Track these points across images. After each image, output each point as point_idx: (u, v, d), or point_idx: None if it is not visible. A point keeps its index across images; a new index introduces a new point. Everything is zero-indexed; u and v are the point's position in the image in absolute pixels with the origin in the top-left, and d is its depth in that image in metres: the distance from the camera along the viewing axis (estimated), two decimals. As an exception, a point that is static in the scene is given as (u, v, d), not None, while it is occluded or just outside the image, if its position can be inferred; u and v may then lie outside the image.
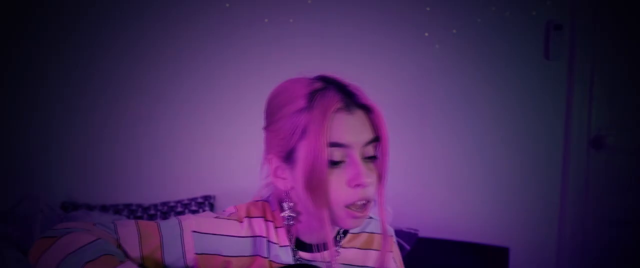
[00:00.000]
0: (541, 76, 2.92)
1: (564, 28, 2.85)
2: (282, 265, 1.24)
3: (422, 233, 2.72)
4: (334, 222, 1.21)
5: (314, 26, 2.89)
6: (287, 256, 1.26)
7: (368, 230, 1.37)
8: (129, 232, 1.19)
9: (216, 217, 1.25)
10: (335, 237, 1.32)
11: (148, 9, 2.91)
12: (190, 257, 1.21)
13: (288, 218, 1.25)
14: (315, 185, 1.17)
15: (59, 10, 2.89)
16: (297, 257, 1.28)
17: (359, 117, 1.18)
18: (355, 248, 1.35)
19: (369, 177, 1.17)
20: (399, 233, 2.62)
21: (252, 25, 2.88)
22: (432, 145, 2.98)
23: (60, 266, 1.06)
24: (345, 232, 1.33)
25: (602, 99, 2.92)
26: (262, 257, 1.25)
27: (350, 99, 1.18)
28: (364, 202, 1.18)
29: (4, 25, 2.85)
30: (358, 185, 1.17)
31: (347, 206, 1.18)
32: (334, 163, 1.17)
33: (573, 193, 2.93)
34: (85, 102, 2.92)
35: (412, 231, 2.68)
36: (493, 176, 2.96)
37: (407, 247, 2.59)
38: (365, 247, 1.36)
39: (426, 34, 2.91)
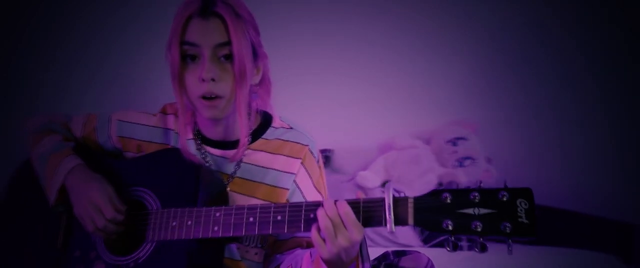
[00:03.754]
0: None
1: None
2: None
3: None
4: (198, 113, 1.46)
5: (317, 26, 2.87)
6: (192, 148, 1.52)
7: (283, 137, 1.53)
8: (78, 119, 1.66)
9: (139, 111, 1.62)
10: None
11: (148, 9, 2.90)
12: (115, 138, 1.61)
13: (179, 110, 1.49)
14: (173, 77, 1.42)
15: (59, 10, 2.89)
16: (203, 150, 1.53)
17: (214, 23, 1.39)
18: (265, 152, 1.51)
19: (211, 72, 1.37)
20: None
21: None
22: (544, 109, 2.87)
23: (42, 155, 1.57)
24: (256, 136, 1.53)
25: None
26: (172, 146, 1.55)
27: (208, 7, 1.39)
28: (213, 95, 1.39)
29: (4, 25, 2.84)
30: (200, 79, 1.38)
31: (200, 97, 1.40)
32: (189, 58, 1.40)
33: None
34: (86, 102, 2.90)
35: None
36: (621, 144, 2.74)
37: None
38: (275, 152, 1.51)
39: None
